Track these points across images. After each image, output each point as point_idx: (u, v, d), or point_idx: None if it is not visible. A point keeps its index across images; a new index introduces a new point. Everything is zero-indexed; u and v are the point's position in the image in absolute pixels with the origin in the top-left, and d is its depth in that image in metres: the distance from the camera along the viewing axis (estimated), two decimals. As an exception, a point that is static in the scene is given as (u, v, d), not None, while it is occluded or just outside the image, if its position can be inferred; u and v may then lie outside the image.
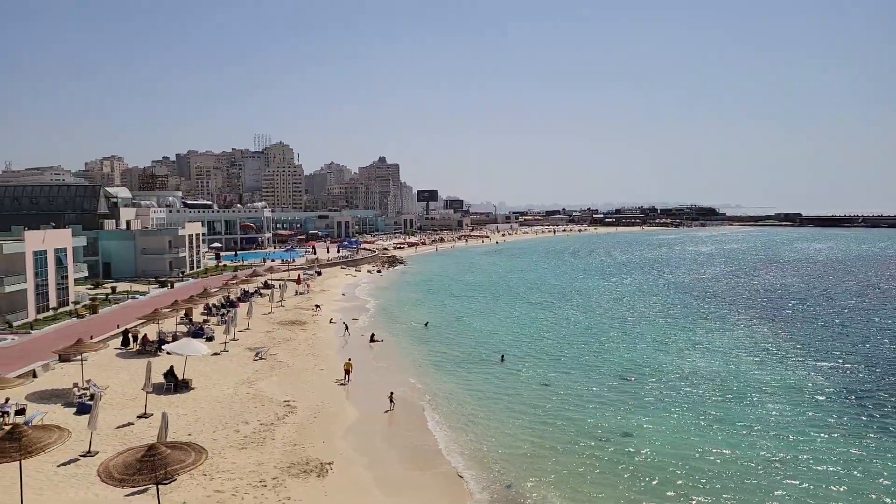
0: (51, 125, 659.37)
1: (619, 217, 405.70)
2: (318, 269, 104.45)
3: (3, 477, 23.65)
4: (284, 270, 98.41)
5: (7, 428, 23.11)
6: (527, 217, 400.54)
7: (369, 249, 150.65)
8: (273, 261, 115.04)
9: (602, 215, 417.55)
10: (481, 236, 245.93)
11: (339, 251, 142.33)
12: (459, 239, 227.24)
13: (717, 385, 41.35)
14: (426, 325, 62.43)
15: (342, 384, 39.90)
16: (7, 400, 31.88)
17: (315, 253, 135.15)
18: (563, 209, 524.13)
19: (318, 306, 69.38)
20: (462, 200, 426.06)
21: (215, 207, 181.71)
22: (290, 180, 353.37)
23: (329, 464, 26.99)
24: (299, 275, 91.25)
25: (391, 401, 35.69)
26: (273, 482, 24.85)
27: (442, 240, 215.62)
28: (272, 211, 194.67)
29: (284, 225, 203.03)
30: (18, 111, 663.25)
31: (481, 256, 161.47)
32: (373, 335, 54.85)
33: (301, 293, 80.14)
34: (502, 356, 48.91)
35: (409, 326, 62.84)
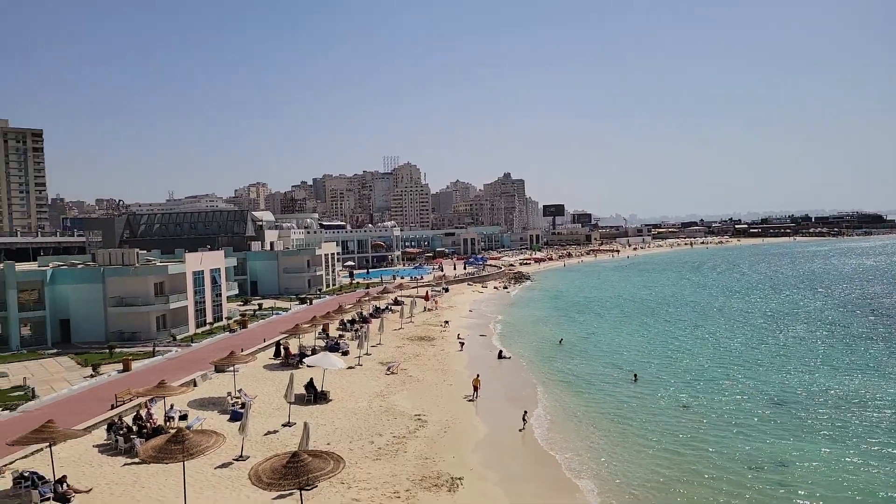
0: (205, 158, 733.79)
1: (765, 227, 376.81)
2: (445, 286, 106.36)
3: (170, 476, 26.07)
4: (413, 287, 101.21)
5: (173, 431, 25.44)
6: (660, 230, 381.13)
7: (495, 266, 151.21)
8: (402, 278, 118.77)
9: (745, 225, 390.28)
10: (611, 250, 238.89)
11: (465, 268, 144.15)
12: (588, 254, 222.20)
13: (887, 415, 36.80)
14: (560, 342, 61.29)
15: (470, 400, 40.05)
16: (172, 406, 35.21)
17: (442, 270, 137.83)
18: (701, 220, 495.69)
19: (446, 322, 70.48)
20: (590, 214, 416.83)
21: (348, 228, 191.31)
22: (417, 199, 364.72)
23: (459, 479, 27.08)
24: (427, 291, 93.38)
25: (524, 420, 35.20)
26: (406, 494, 25.32)
27: (569, 255, 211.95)
28: (401, 230, 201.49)
29: (412, 243, 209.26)
30: (179, 147, 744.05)
31: (611, 272, 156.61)
32: (500, 352, 54.71)
33: (429, 309, 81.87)
34: (635, 375, 46.82)
35: (536, 343, 62.04)
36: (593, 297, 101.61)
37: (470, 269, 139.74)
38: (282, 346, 51.51)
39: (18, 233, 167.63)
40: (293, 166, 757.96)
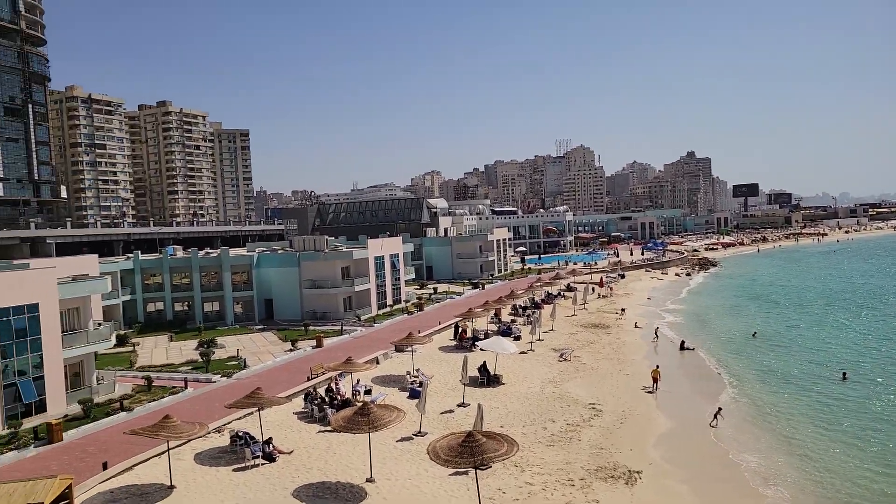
0: (385, 149, 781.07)
1: None
2: (621, 272, 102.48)
3: (357, 444, 28.04)
4: (587, 273, 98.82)
5: (359, 404, 27.30)
6: (880, 209, 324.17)
7: (677, 251, 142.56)
8: (575, 264, 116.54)
9: None
10: (816, 234, 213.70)
11: (643, 253, 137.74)
12: (787, 238, 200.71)
13: None
14: (754, 334, 56.15)
15: (649, 391, 38.13)
16: (358, 381, 37.86)
17: (618, 255, 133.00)
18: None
19: (622, 310, 67.89)
20: (790, 194, 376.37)
21: (520, 213, 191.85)
22: (590, 183, 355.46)
23: (638, 472, 25.88)
24: (602, 278, 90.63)
25: (716, 416, 32.50)
26: (581, 483, 24.76)
27: (764, 239, 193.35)
28: (573, 214, 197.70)
29: (586, 228, 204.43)
30: (363, 140, 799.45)
31: (816, 257, 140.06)
32: (683, 342, 51.42)
33: (604, 296, 79.42)
34: (844, 374, 41.43)
35: (724, 335, 57.41)
36: (794, 286, 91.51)
37: (648, 255, 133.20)
38: (460, 328, 53.05)
39: (231, 222, 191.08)
40: (466, 153, 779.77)
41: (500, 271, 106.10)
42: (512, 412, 33.63)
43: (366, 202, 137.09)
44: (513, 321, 59.92)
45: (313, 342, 51.12)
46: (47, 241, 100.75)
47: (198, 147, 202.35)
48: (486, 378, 39.33)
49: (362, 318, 62.97)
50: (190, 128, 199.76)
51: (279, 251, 72.05)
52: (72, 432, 31.21)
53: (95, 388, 37.64)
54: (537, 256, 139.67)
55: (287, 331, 57.48)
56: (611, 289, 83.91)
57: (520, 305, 67.36)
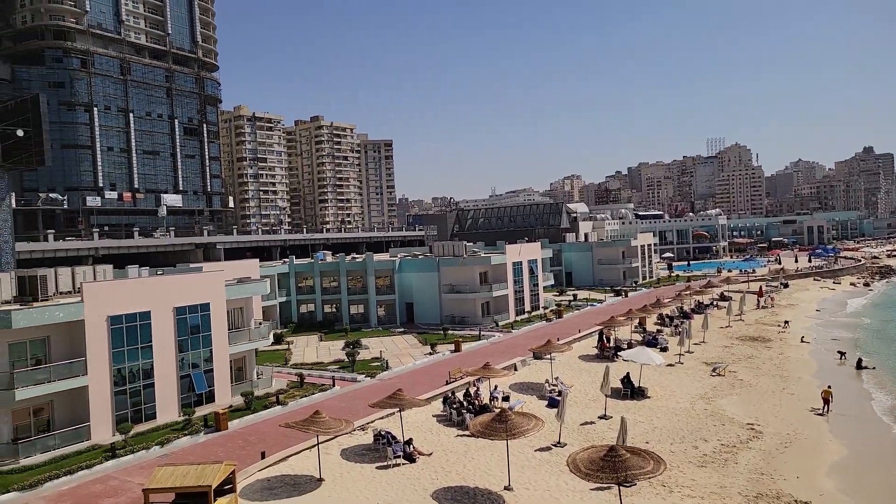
0: (523, 153, 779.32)
1: None
2: (783, 281, 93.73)
3: (494, 451, 27.84)
4: (743, 282, 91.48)
5: (497, 411, 27.09)
6: None
7: (852, 258, 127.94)
8: (730, 271, 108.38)
9: None
10: None
11: (810, 260, 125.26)
12: None
13: None
14: None
15: (819, 414, 34.24)
16: (496, 387, 37.71)
17: (780, 262, 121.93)
18: None
19: (786, 322, 61.94)
20: None
21: (666, 217, 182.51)
22: (747, 183, 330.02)
23: (806, 503, 23.22)
24: (761, 287, 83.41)
25: None
26: (738, 511, 22.67)
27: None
28: (727, 218, 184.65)
29: (742, 232, 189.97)
30: (501, 145, 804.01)
31: None
32: (859, 360, 45.77)
33: (764, 307, 73.03)
34: None
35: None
36: None
37: (816, 262, 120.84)
38: (604, 336, 51.22)
39: (375, 228, 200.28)
40: (607, 156, 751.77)
41: (644, 278, 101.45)
42: (658, 428, 31.71)
43: (504, 208, 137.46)
44: (659, 331, 56.79)
45: (452, 346, 51.83)
46: (217, 247, 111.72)
47: (346, 158, 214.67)
48: (630, 390, 37.49)
49: (500, 323, 62.92)
50: (339, 140, 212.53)
51: (420, 256, 74.14)
52: (235, 422, 34.03)
53: (255, 383, 40.80)
54: (686, 263, 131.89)
55: (427, 334, 58.84)
56: (772, 299, 76.95)
57: (667, 315, 63.77)
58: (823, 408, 34.54)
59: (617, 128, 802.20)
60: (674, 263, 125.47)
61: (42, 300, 34.17)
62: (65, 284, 36.68)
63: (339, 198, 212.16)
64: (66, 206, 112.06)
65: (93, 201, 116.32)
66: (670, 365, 44.42)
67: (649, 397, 37.08)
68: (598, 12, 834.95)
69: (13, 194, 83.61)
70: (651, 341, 50.93)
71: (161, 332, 35.06)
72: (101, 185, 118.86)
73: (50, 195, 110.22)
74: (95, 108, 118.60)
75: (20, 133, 47.23)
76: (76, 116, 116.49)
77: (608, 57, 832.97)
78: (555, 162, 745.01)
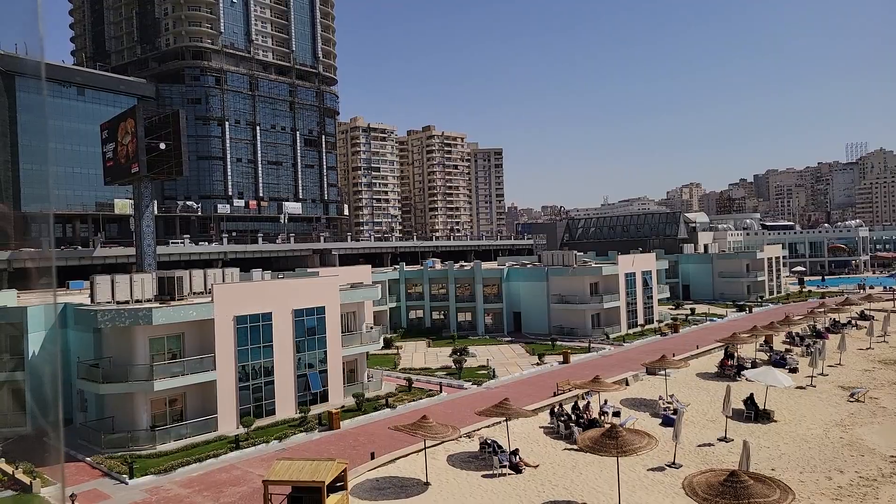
0: (638, 161, 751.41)
1: None
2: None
3: (604, 468, 26.93)
4: (888, 300, 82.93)
5: (607, 426, 26.18)
6: None
7: None
8: (872, 287, 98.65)
9: None
10: None
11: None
12: None
13: None
14: None
15: (980, 451, 30.21)
16: (606, 401, 36.51)
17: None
18: None
19: (936, 345, 55.40)
20: None
21: (798, 228, 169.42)
22: (892, 192, 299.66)
23: (965, 553, 20.52)
24: (907, 305, 75.23)
25: None
26: (880, 553, 20.43)
27: None
28: (870, 229, 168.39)
29: (886, 245, 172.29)
30: (613, 153, 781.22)
31: None
32: None
33: (910, 327, 65.70)
34: None
35: None
36: None
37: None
38: (730, 350, 48.24)
39: (483, 236, 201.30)
40: (730, 162, 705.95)
41: (771, 293, 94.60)
42: (785, 455, 29.30)
43: (616, 217, 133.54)
44: (787, 351, 52.61)
45: (560, 357, 50.85)
46: (332, 253, 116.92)
47: (456, 167, 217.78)
48: (754, 413, 34.94)
49: (611, 336, 60.99)
50: (450, 149, 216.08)
51: (528, 265, 73.50)
52: (347, 422, 35.28)
53: (366, 385, 42.12)
54: (820, 278, 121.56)
55: (534, 344, 58.14)
56: (920, 319, 69.09)
57: (797, 333, 58.93)
58: None
59: (742, 131, 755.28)
60: (805, 278, 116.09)
61: (178, 299, 37.19)
62: (198, 285, 39.69)
63: (448, 206, 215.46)
64: (199, 213, 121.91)
65: (223, 208, 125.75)
66: (800, 388, 41.00)
67: (776, 421, 34.39)
68: (729, 9, 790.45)
69: (155, 202, 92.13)
70: (779, 361, 47.29)
71: (281, 332, 37.10)
72: (230, 193, 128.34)
73: (187, 203, 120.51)
74: (227, 123, 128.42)
75: (162, 146, 51.84)
76: (210, 130, 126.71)
77: (731, 50, 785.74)
78: (672, 169, 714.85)
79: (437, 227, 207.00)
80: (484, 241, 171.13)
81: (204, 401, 34.55)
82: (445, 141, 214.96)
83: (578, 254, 73.71)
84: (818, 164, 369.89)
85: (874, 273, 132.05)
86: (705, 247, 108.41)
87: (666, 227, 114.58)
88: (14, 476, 27.80)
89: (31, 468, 27.99)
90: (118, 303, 35.62)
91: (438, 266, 76.59)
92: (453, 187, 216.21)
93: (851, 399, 38.58)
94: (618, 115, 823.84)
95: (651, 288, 69.70)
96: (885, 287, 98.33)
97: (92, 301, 36.19)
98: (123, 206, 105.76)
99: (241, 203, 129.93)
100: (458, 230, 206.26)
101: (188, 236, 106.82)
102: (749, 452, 24.94)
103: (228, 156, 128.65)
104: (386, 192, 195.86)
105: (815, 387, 41.71)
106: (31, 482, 26.76)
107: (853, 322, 66.85)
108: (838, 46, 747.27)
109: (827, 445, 30.54)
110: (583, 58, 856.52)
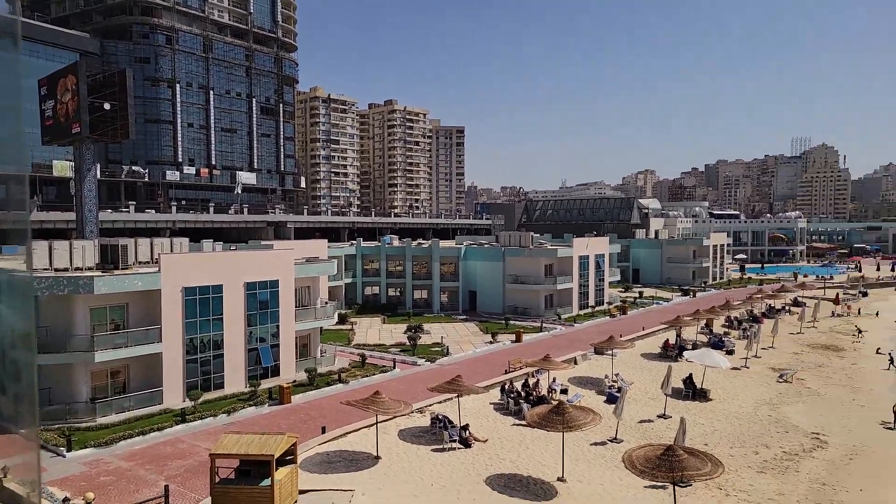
0: (595, 146, 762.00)
1: None
2: (863, 290, 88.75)
3: (550, 442, 27.99)
4: (819, 288, 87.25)
5: (555, 403, 27.19)
6: None
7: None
8: (805, 276, 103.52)
9: None
10: None
11: (893, 269, 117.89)
12: None
13: None
14: None
15: (889, 428, 32.56)
16: (555, 379, 37.68)
17: (860, 270, 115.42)
18: None
19: (860, 331, 58.86)
20: None
21: (742, 217, 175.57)
22: (831, 186, 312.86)
23: (873, 522, 22.33)
24: (838, 294, 79.38)
25: None
26: (798, 522, 22.03)
27: None
28: (807, 221, 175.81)
29: (822, 237, 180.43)
30: (573, 136, 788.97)
31: None
32: (943, 377, 43.06)
33: (839, 315, 69.52)
34: None
35: None
36: None
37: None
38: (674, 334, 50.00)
39: (442, 215, 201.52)
40: (683, 152, 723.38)
41: (714, 279, 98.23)
42: (718, 431, 31.01)
43: (573, 200, 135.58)
44: (726, 334, 55.08)
45: (513, 336, 51.97)
46: (287, 226, 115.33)
47: (417, 143, 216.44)
48: (692, 391, 36.71)
49: (563, 316, 62.52)
50: (412, 125, 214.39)
51: (485, 245, 74.33)
52: (298, 397, 35.46)
53: (319, 360, 42.29)
54: (760, 266, 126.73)
55: (488, 323, 59.17)
56: (848, 307, 73.14)
57: (735, 317, 61.70)
58: (894, 422, 32.87)
59: (696, 123, 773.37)
60: (746, 265, 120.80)
61: (122, 268, 35.78)
62: (143, 255, 38.26)
63: (408, 182, 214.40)
64: (146, 179, 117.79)
65: (172, 175, 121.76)
66: (735, 369, 43.13)
67: (711, 399, 36.23)
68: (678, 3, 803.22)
69: (98, 165, 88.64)
70: (717, 343, 49.54)
71: (232, 305, 36.78)
72: (180, 160, 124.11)
73: (132, 168, 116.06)
74: (178, 85, 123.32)
75: (107, 107, 49.36)
76: (159, 92, 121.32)
77: (687, 47, 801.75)
78: (629, 156, 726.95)
79: (395, 204, 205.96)
80: (443, 220, 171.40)
81: (149, 373, 34.03)
82: (407, 116, 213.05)
83: (535, 235, 74.87)
84: (765, 156, 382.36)
85: (809, 262, 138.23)
86: (656, 233, 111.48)
87: (620, 212, 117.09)
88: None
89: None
90: (56, 270, 34.10)
91: (396, 243, 76.60)
92: (414, 164, 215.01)
93: (780, 380, 40.89)
94: (579, 101, 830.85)
95: (603, 271, 71.51)
96: (818, 276, 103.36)
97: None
98: (63, 167, 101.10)
99: (192, 171, 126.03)
100: (418, 207, 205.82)
101: (134, 203, 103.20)
102: (685, 428, 26.36)
103: (179, 120, 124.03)
104: (345, 166, 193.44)
105: (748, 368, 43.96)
106: (-30, 452, 26.14)
107: (787, 308, 70.28)
108: (787, 43, 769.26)
109: (756, 423, 32.42)
110: (545, 43, 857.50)
